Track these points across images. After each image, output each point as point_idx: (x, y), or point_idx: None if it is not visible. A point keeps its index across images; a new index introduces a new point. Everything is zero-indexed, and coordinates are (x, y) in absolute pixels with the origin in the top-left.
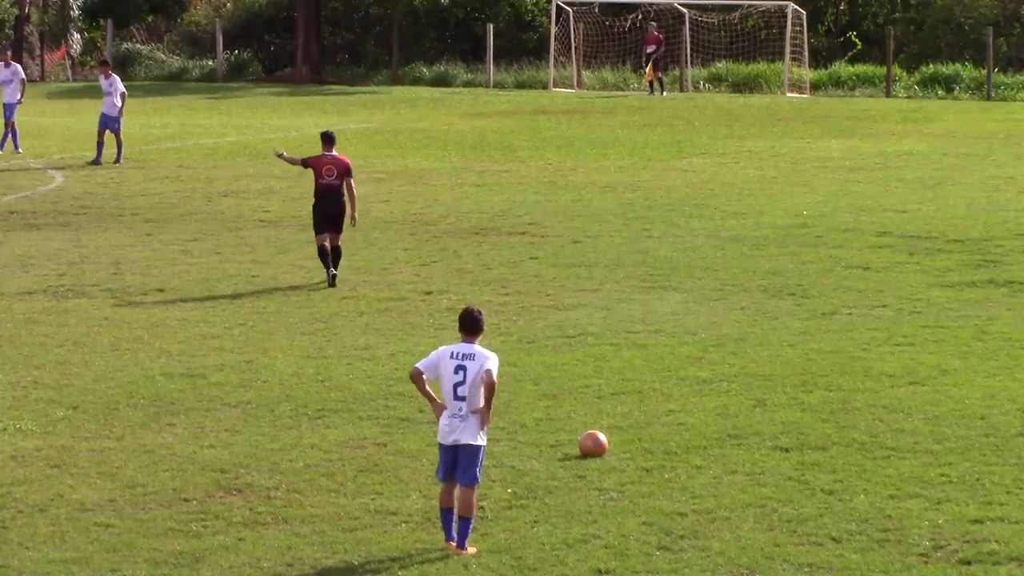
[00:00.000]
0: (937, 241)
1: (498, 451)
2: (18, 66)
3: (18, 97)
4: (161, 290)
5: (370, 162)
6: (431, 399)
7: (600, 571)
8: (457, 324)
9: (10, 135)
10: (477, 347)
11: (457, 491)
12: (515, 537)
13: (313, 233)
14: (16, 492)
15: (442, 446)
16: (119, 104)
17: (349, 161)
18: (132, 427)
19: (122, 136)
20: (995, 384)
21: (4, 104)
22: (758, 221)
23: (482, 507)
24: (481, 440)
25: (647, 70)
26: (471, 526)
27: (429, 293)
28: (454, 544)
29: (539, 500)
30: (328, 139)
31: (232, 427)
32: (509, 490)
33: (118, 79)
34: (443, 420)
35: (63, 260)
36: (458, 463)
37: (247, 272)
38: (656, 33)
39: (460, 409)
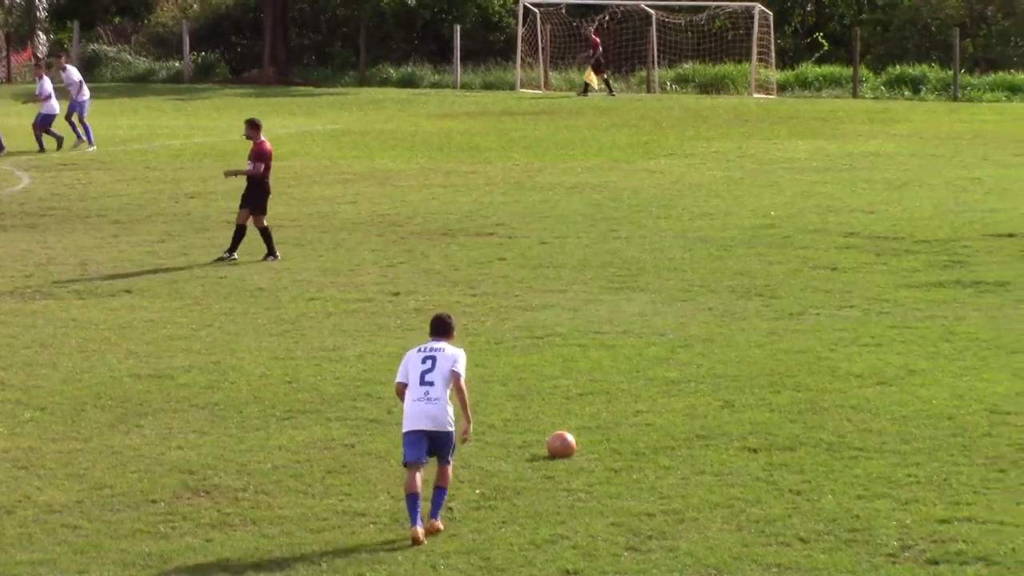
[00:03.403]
0: (904, 242)
1: (466, 452)
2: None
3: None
4: (128, 291)
5: (337, 163)
6: (399, 394)
7: (568, 572)
8: (428, 327)
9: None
10: (445, 343)
11: (435, 466)
12: (483, 538)
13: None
14: None
15: (408, 434)
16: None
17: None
18: (99, 428)
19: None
20: (962, 384)
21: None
22: (725, 222)
23: (450, 508)
24: (450, 427)
25: (590, 75)
26: (445, 497)
27: (397, 294)
28: (419, 529)
29: (507, 501)
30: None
31: (200, 428)
32: (477, 491)
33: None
34: (408, 406)
35: (30, 261)
36: (433, 444)
37: (214, 273)
38: (594, 36)
39: (427, 393)
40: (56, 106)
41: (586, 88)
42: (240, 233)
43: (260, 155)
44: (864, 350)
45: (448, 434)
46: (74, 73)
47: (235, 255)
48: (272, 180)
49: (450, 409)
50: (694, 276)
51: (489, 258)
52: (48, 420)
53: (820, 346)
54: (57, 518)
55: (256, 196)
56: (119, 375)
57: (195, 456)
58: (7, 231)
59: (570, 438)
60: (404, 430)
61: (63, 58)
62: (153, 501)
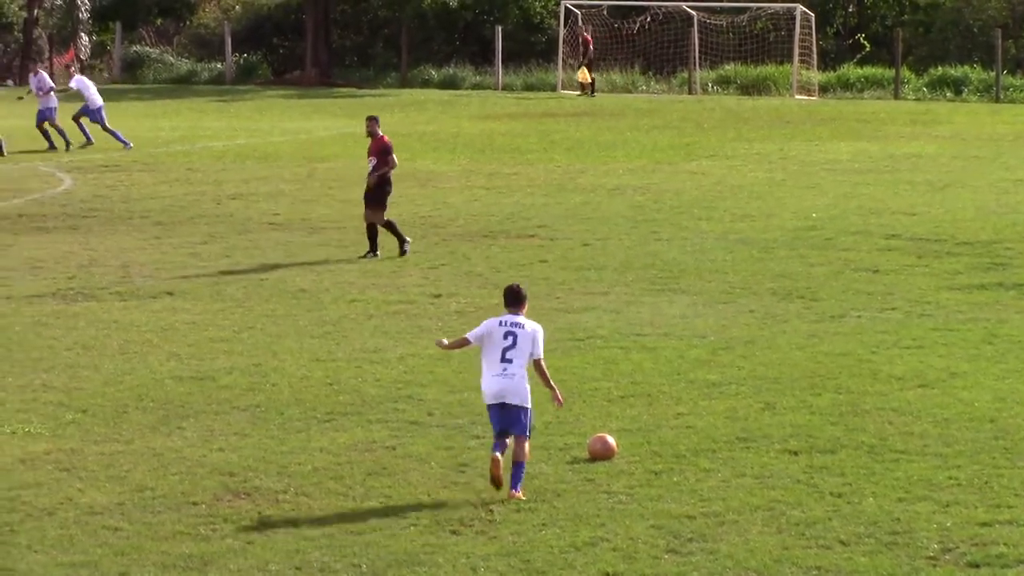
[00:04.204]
0: (946, 244)
1: (506, 456)
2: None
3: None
4: (170, 293)
5: None
6: (453, 345)
7: (608, 574)
8: (502, 300)
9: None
10: (523, 318)
11: (512, 440)
12: (523, 540)
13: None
14: (25, 495)
15: (490, 407)
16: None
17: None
18: (141, 430)
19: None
20: (1004, 387)
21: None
22: (767, 224)
23: (491, 510)
24: (528, 403)
25: (583, 72)
26: (523, 471)
27: (438, 296)
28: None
29: (548, 503)
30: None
31: (241, 430)
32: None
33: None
34: (487, 380)
35: (72, 263)
36: (509, 419)
37: (256, 275)
38: (586, 35)
39: (505, 369)
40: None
41: (592, 87)
42: (372, 230)
43: (385, 150)
44: (906, 352)
45: (525, 410)
46: (46, 79)
47: (406, 248)
48: (316, 181)
49: (527, 385)
50: (735, 278)
51: (530, 260)
52: (90, 422)
53: (861, 348)
54: (98, 520)
55: (380, 192)
56: (161, 377)
57: (236, 458)
58: (49, 232)
59: (611, 440)
60: (486, 401)
61: (37, 64)
62: (194, 503)
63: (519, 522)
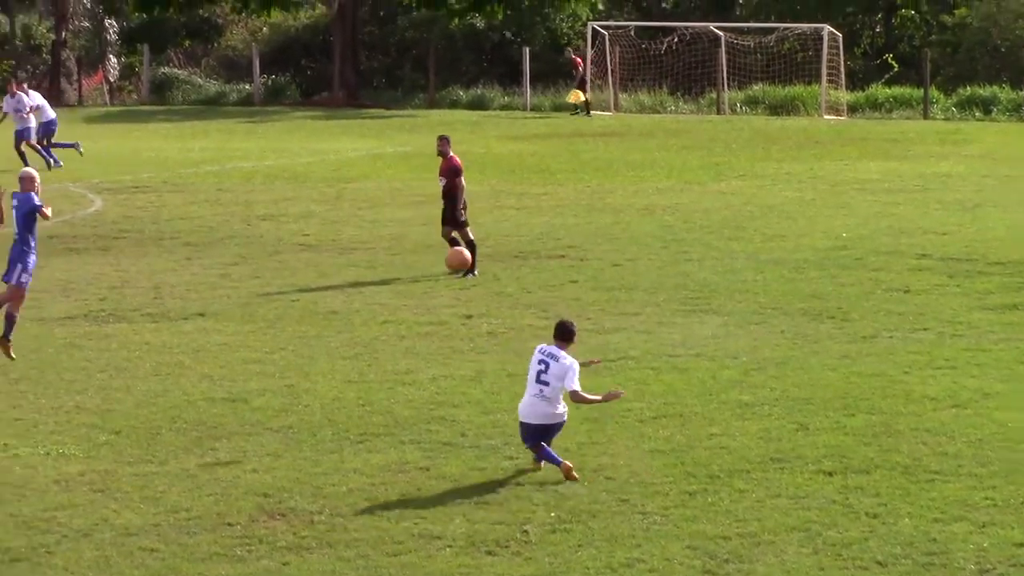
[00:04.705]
0: (978, 263)
1: (540, 476)
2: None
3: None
4: (202, 314)
5: (408, 185)
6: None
7: None
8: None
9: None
10: (562, 352)
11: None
12: (559, 561)
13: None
14: (60, 517)
15: (524, 424)
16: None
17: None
18: (175, 451)
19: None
20: None
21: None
22: (797, 243)
23: (525, 531)
24: (563, 417)
25: (575, 94)
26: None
27: (469, 317)
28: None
29: (583, 524)
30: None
31: (274, 451)
32: (552, 514)
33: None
34: (524, 399)
35: (103, 284)
36: (545, 432)
37: (287, 296)
38: (575, 56)
39: (541, 391)
40: (32, 120)
41: (587, 107)
42: (457, 245)
43: (454, 170)
44: (938, 373)
45: (561, 424)
46: (35, 97)
47: (475, 272)
48: (346, 202)
49: (561, 408)
50: (766, 298)
51: (561, 280)
52: (123, 443)
53: (894, 369)
54: (134, 541)
55: (450, 209)
56: (193, 398)
57: (270, 479)
58: (80, 254)
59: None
60: (521, 419)
61: (13, 84)
62: (229, 524)
63: (555, 543)
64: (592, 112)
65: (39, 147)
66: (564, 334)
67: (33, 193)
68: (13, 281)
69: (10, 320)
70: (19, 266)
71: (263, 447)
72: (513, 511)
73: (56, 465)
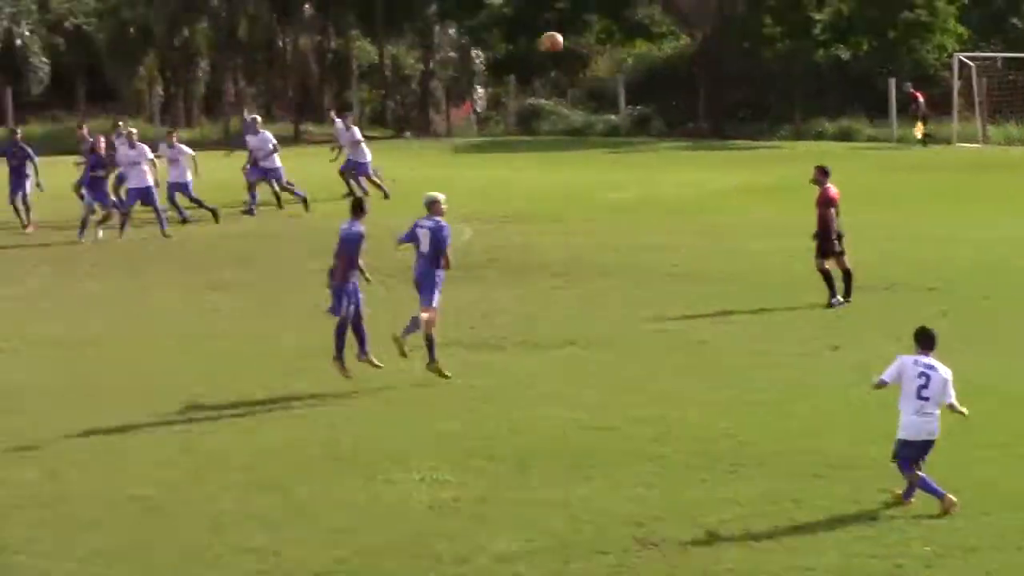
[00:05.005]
0: None
1: (916, 508)
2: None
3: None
4: (573, 343)
5: (775, 217)
6: (876, 386)
7: None
8: (914, 339)
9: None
10: (935, 360)
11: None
12: None
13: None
14: (435, 542)
15: (909, 443)
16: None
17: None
18: (549, 479)
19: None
20: None
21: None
22: None
23: (900, 564)
24: (938, 432)
25: (920, 126)
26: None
27: (836, 348)
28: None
29: (960, 559)
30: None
31: (647, 481)
32: (927, 548)
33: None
34: (905, 417)
35: (475, 312)
36: (923, 450)
37: (655, 325)
38: (913, 91)
39: (922, 407)
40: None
41: (925, 138)
42: (833, 277)
43: (825, 202)
44: None
45: (934, 441)
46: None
47: (840, 298)
48: (713, 232)
49: (938, 421)
50: None
51: (932, 312)
52: (498, 469)
53: None
54: (508, 568)
55: (825, 240)
56: (566, 426)
57: (643, 508)
58: (451, 282)
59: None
60: (900, 437)
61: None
62: (603, 553)
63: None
64: (956, 144)
65: (358, 181)
66: (929, 341)
67: (440, 218)
68: (432, 304)
69: (430, 343)
70: (437, 290)
71: (637, 476)
72: (887, 544)
73: (430, 491)
